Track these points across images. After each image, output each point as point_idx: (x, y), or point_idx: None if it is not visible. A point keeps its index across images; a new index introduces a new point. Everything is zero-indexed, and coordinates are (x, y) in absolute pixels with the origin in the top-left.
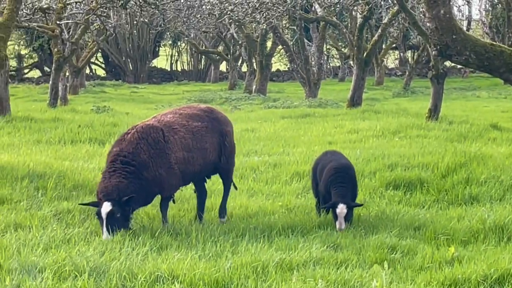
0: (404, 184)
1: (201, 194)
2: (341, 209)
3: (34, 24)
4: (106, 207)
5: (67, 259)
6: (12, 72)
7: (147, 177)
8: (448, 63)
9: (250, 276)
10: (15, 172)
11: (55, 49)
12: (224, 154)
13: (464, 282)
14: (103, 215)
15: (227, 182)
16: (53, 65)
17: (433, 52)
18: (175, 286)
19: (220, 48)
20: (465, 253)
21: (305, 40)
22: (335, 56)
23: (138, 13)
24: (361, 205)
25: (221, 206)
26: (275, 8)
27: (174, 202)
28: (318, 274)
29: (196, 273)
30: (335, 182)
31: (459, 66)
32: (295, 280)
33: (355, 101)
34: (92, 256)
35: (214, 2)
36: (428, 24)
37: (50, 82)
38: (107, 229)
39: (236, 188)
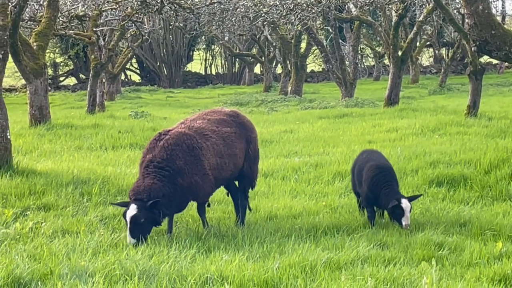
0: (447, 181)
1: (235, 196)
2: (406, 203)
3: (70, 31)
4: (131, 210)
5: (116, 263)
6: (49, 80)
7: (182, 184)
8: (483, 59)
9: (298, 276)
10: (59, 178)
11: (92, 56)
12: (247, 160)
13: None
14: (127, 218)
15: (247, 190)
16: (91, 71)
17: (473, 48)
18: (224, 287)
19: (254, 51)
20: None
21: (340, 40)
22: (369, 55)
23: (172, 18)
24: (420, 195)
25: (241, 219)
26: (309, 9)
27: (209, 205)
28: (367, 273)
29: (245, 274)
30: (382, 182)
31: (494, 62)
32: (344, 278)
33: (392, 100)
34: (140, 259)
35: (248, 5)
36: (466, 20)
37: (88, 88)
38: (131, 233)
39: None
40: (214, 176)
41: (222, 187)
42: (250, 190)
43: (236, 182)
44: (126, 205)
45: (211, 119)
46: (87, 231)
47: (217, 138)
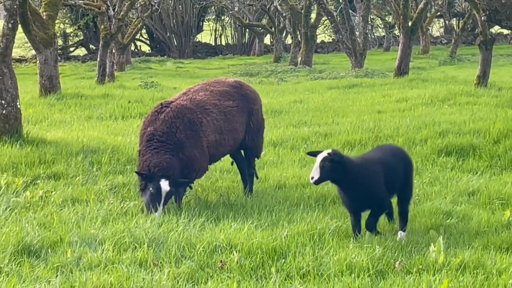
0: (456, 151)
1: (242, 165)
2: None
3: (80, 1)
4: (166, 186)
5: (126, 231)
6: (58, 51)
7: (182, 158)
8: (493, 30)
9: (307, 244)
10: (69, 147)
11: (102, 26)
12: (249, 132)
13: None
14: (163, 193)
15: (252, 160)
16: (101, 42)
17: (482, 18)
18: (233, 255)
19: (264, 21)
20: None
21: (350, 11)
22: (379, 25)
23: None
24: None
25: (249, 187)
26: None
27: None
28: (375, 241)
29: (253, 242)
30: None
31: (505, 33)
32: (352, 246)
33: (402, 70)
34: (150, 227)
35: None
36: None
37: (98, 59)
38: (163, 208)
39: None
40: (212, 153)
41: (228, 156)
42: (256, 159)
43: (242, 152)
44: (150, 178)
45: (214, 91)
46: (96, 200)
47: (218, 113)
